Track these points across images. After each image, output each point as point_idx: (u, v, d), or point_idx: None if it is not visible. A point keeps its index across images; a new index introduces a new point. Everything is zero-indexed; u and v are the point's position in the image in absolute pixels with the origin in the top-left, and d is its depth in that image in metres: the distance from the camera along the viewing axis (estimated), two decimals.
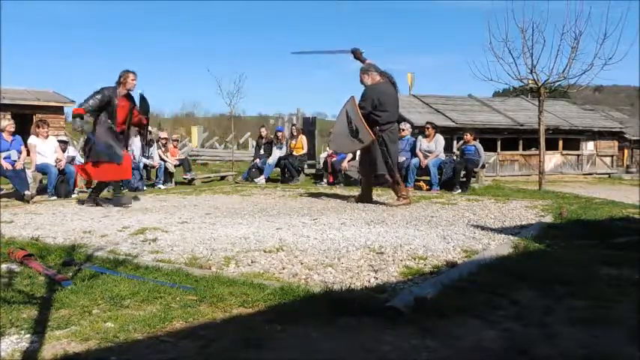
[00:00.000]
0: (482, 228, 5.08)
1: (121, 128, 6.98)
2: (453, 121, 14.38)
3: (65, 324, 2.43)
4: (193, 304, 2.69)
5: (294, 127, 12.69)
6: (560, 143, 16.29)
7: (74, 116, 6.89)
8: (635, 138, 19.53)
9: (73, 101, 19.67)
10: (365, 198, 7.33)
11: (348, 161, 10.67)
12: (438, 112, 14.96)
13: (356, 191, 8.79)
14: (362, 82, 7.02)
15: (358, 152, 10.57)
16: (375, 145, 6.85)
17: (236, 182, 11.91)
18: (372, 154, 6.96)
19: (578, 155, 16.78)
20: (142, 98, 7.28)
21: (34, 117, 16.52)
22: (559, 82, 10.22)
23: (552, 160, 15.99)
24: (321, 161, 12.28)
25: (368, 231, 4.88)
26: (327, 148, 12.16)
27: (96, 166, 6.89)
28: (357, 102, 6.83)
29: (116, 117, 6.85)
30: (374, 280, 3.26)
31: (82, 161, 9.94)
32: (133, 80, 6.98)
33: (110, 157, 6.78)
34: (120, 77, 6.98)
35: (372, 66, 7.03)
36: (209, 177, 12.96)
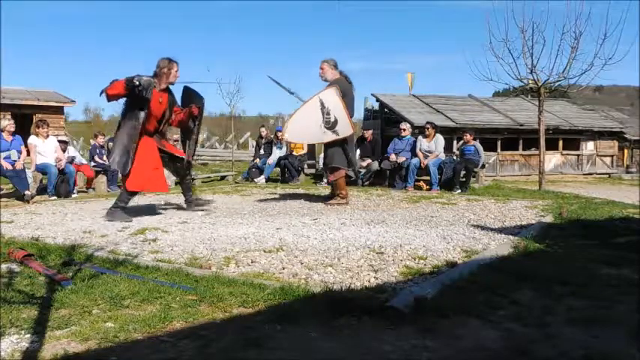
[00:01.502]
0: (483, 228, 5.08)
1: (156, 128, 5.84)
2: (453, 121, 14.37)
3: (65, 324, 2.43)
4: (193, 304, 2.69)
5: None
6: (560, 143, 16.27)
7: (112, 96, 5.38)
8: (635, 138, 19.51)
9: (73, 101, 19.62)
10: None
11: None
12: (438, 112, 14.94)
13: (356, 191, 8.79)
14: (324, 74, 6.98)
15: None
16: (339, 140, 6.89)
17: (236, 182, 11.91)
18: (333, 149, 6.97)
19: (578, 155, 16.76)
20: (190, 88, 6.10)
21: (34, 117, 16.51)
22: (559, 82, 10.21)
23: (552, 160, 15.97)
24: (321, 161, 12.27)
25: (368, 231, 4.88)
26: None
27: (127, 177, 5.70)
28: (339, 92, 6.71)
29: (149, 115, 5.62)
30: (374, 280, 3.26)
31: (83, 161, 9.99)
32: (177, 72, 5.79)
33: (119, 167, 5.64)
34: (161, 67, 5.69)
35: (335, 62, 7.03)
36: (209, 177, 12.97)
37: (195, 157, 6.72)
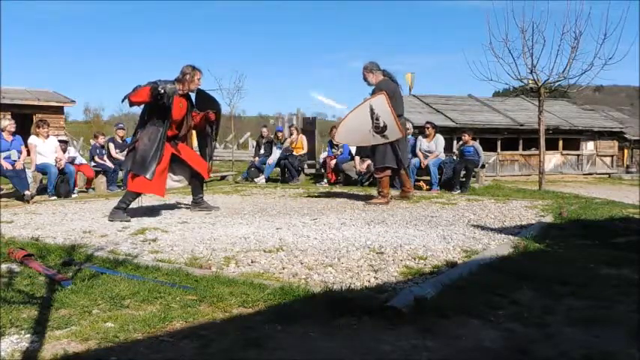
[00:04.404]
0: (483, 228, 5.08)
1: (175, 134, 5.85)
2: (453, 121, 14.38)
3: (65, 324, 2.43)
4: (193, 304, 2.69)
5: (291, 128, 12.63)
6: (560, 143, 16.29)
7: (135, 102, 5.43)
8: (635, 138, 19.53)
9: (73, 101, 19.65)
10: (405, 193, 7.49)
11: (349, 161, 10.70)
12: (438, 112, 14.96)
13: (356, 191, 8.80)
14: (366, 79, 7.11)
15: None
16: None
17: (236, 182, 11.91)
18: (384, 147, 7.06)
19: (578, 155, 16.78)
20: (204, 92, 6.10)
21: (34, 117, 16.53)
22: (559, 82, 10.22)
23: (552, 160, 15.99)
24: (320, 160, 12.27)
25: (368, 231, 4.88)
26: (327, 148, 12.15)
27: (132, 177, 5.70)
28: (388, 100, 6.81)
29: (170, 120, 5.64)
30: (374, 280, 3.26)
31: (83, 161, 9.99)
32: (199, 80, 5.85)
33: (139, 171, 5.56)
34: (184, 74, 5.73)
35: (375, 65, 7.10)
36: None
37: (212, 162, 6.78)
